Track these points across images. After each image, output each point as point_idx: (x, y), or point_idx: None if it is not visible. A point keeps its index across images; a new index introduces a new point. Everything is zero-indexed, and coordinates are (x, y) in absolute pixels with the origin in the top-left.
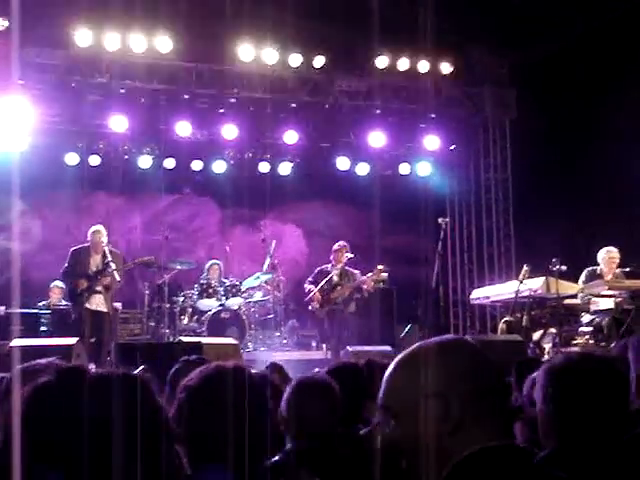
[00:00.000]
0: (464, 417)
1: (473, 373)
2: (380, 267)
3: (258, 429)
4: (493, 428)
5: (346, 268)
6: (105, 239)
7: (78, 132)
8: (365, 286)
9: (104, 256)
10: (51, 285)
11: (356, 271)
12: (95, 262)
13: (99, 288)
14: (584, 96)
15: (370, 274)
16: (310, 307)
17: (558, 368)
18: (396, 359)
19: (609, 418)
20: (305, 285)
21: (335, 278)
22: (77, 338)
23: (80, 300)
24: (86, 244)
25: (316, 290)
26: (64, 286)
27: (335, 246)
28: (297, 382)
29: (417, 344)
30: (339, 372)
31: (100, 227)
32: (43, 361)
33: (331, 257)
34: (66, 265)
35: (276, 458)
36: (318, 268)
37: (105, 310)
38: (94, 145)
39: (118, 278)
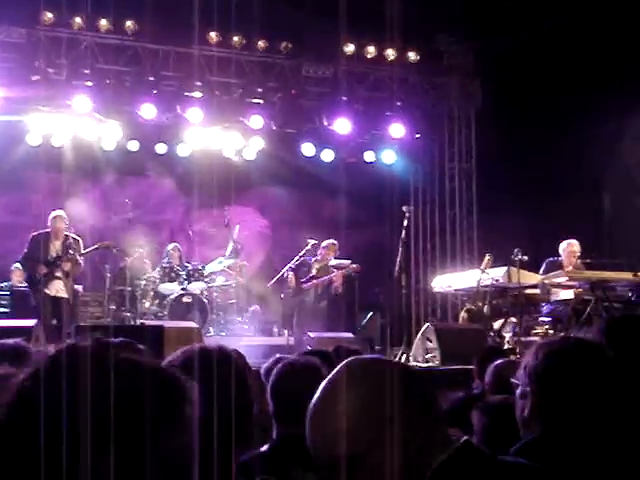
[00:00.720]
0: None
1: (412, 389)
2: (355, 265)
3: (246, 412)
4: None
5: (329, 265)
6: (65, 224)
7: (41, 112)
8: (335, 282)
9: (64, 242)
10: (12, 267)
11: (337, 261)
12: (55, 248)
13: (59, 274)
14: (549, 87)
15: (342, 267)
16: (282, 294)
17: (555, 351)
18: (326, 389)
19: (602, 405)
20: (285, 270)
21: (313, 271)
22: (36, 320)
23: (39, 286)
24: (47, 229)
25: (291, 275)
26: (25, 271)
27: (325, 242)
28: (285, 364)
29: (333, 376)
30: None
31: (61, 212)
32: (9, 341)
33: (318, 251)
34: (26, 250)
35: (265, 448)
36: (303, 258)
37: (65, 296)
38: (57, 126)
39: (80, 261)
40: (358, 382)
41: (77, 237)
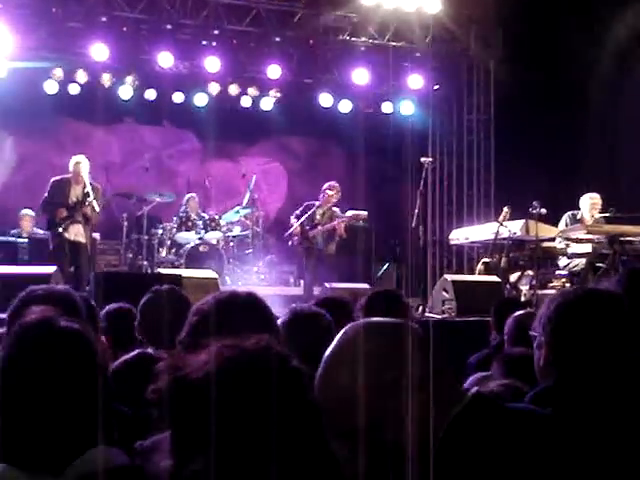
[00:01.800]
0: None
1: (415, 350)
2: (360, 213)
3: None
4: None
5: (333, 209)
6: (86, 170)
7: (58, 59)
8: (338, 230)
9: (84, 187)
10: (21, 213)
11: (340, 213)
12: (75, 193)
13: (79, 218)
14: (572, 38)
15: (349, 213)
16: (290, 242)
17: (569, 301)
18: (330, 356)
19: (615, 353)
20: (291, 218)
21: (317, 217)
22: (55, 267)
23: (59, 230)
24: (67, 175)
25: (297, 225)
26: (34, 214)
27: (325, 185)
28: (290, 313)
29: (345, 337)
30: (328, 304)
31: (82, 157)
32: (42, 286)
33: (320, 195)
34: (46, 195)
35: None
36: (306, 203)
37: (83, 241)
38: (74, 74)
39: (97, 209)
40: (371, 345)
41: (97, 185)
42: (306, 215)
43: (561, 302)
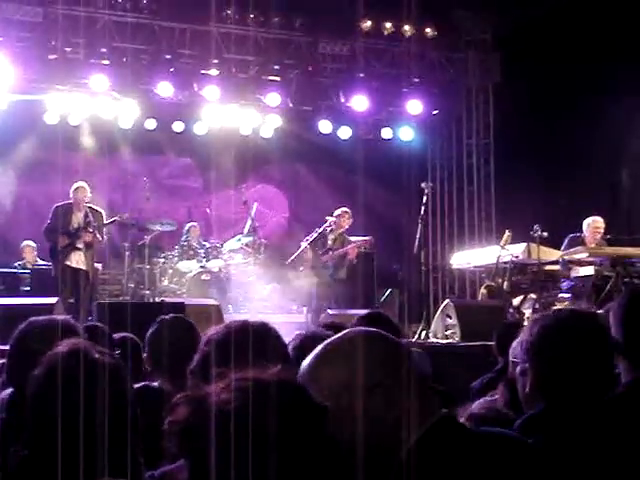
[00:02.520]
0: (404, 405)
1: (395, 362)
2: (367, 238)
3: None
4: (428, 408)
5: (344, 234)
6: (88, 196)
7: (58, 91)
8: (350, 255)
9: (86, 214)
10: (22, 245)
11: (352, 238)
12: (77, 219)
13: (80, 245)
14: (569, 61)
15: (356, 240)
16: (301, 268)
17: (549, 325)
18: (313, 357)
19: (597, 376)
20: (302, 243)
21: (329, 242)
22: (57, 298)
23: (60, 257)
24: (68, 201)
25: (308, 249)
26: (35, 245)
27: (337, 211)
28: (299, 337)
29: (331, 339)
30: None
31: (83, 184)
32: (42, 318)
33: (333, 219)
34: (48, 222)
35: None
36: (317, 229)
37: (84, 268)
38: (75, 105)
39: (100, 238)
40: (349, 349)
41: (99, 209)
42: (316, 239)
43: (542, 326)
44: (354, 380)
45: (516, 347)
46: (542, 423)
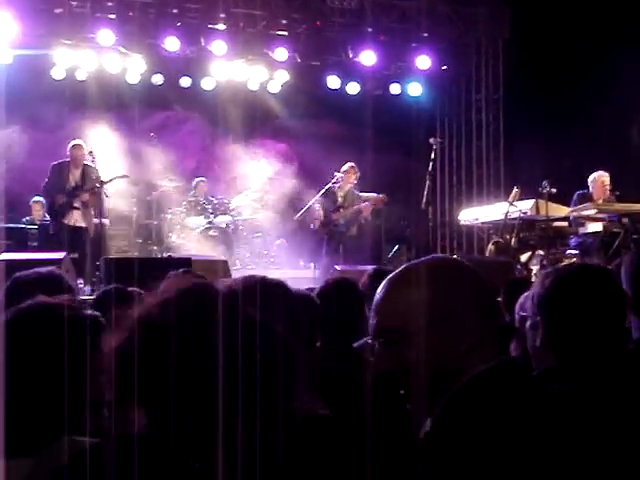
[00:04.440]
0: (477, 337)
1: (477, 292)
2: (382, 196)
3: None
4: (494, 347)
5: (353, 190)
6: (85, 154)
7: (65, 45)
8: (364, 212)
9: (83, 172)
10: (32, 201)
11: (362, 194)
12: (74, 177)
13: (77, 204)
14: (579, 17)
15: (372, 197)
16: (312, 225)
17: (562, 278)
18: (390, 279)
19: (610, 330)
20: (311, 201)
21: (339, 200)
22: (65, 253)
23: (58, 216)
24: (66, 159)
25: (318, 207)
26: (44, 201)
27: (344, 167)
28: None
29: (411, 263)
30: (337, 285)
31: (80, 141)
32: (43, 270)
33: (339, 176)
34: (47, 180)
35: None
36: (325, 186)
37: (83, 225)
38: (81, 59)
39: (102, 192)
40: (428, 274)
41: (94, 166)
42: (326, 198)
43: (554, 279)
44: (432, 306)
45: (525, 301)
46: (558, 376)
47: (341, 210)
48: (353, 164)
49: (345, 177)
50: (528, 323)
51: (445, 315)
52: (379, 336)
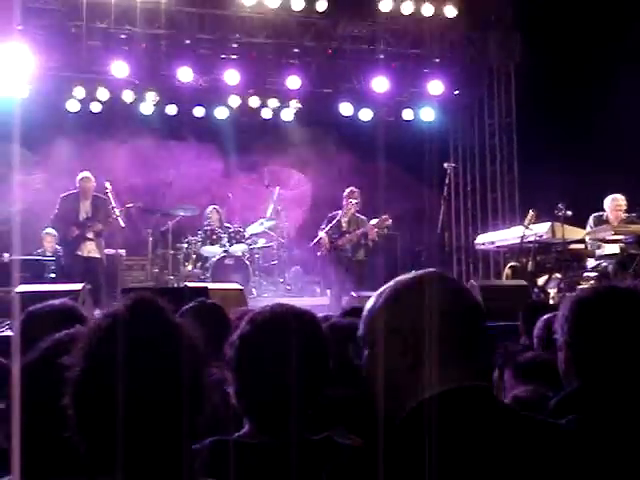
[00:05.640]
0: (423, 354)
1: (441, 311)
2: (384, 217)
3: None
4: (462, 369)
5: (356, 215)
6: (93, 185)
7: (79, 78)
8: (370, 235)
9: (93, 203)
10: (43, 233)
11: (365, 218)
12: (85, 208)
13: (90, 235)
14: (590, 39)
15: (374, 222)
16: (318, 253)
17: (587, 299)
18: (377, 292)
19: (637, 352)
20: (319, 233)
21: (344, 225)
22: (83, 284)
23: (71, 247)
24: (74, 190)
25: (322, 235)
26: (56, 233)
27: (346, 192)
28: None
29: (399, 277)
30: (356, 314)
31: (88, 174)
32: (56, 302)
33: (343, 202)
34: (56, 212)
35: None
36: (329, 214)
37: (98, 256)
38: (95, 92)
39: (116, 221)
40: (389, 292)
41: (105, 197)
42: (330, 225)
43: (579, 300)
44: (379, 322)
45: (545, 325)
46: (577, 402)
47: (346, 235)
48: (352, 188)
49: (346, 203)
50: (559, 342)
51: (391, 330)
52: (361, 344)
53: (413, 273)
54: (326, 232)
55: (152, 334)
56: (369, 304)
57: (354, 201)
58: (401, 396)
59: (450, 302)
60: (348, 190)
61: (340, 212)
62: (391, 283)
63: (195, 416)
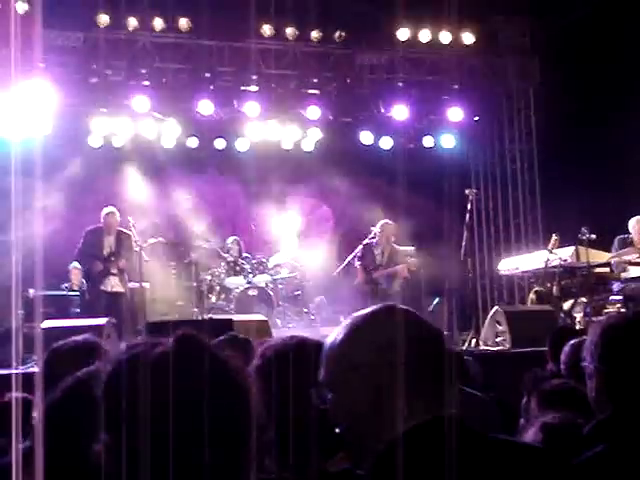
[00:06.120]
0: (385, 390)
1: (392, 344)
2: (410, 262)
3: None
4: (428, 400)
5: (393, 245)
6: (118, 221)
7: (101, 114)
8: (401, 274)
9: (118, 238)
10: (70, 267)
11: (402, 248)
12: (109, 243)
13: (114, 270)
14: (609, 62)
15: (404, 265)
16: (355, 282)
17: (616, 325)
18: (331, 333)
19: None
20: (355, 262)
21: (378, 257)
22: (107, 318)
23: (96, 282)
24: (99, 225)
25: (358, 266)
26: (82, 267)
27: (378, 224)
28: None
29: (355, 314)
30: None
31: (113, 209)
32: (79, 338)
33: (376, 233)
34: (80, 246)
35: None
36: (363, 243)
37: (122, 290)
38: (117, 126)
39: (140, 255)
40: (349, 327)
41: (128, 232)
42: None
43: (609, 327)
44: (338, 362)
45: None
46: (610, 429)
47: (380, 268)
48: (387, 220)
49: (380, 234)
50: (586, 373)
51: (351, 367)
52: (324, 387)
53: (368, 308)
54: (361, 265)
55: (199, 370)
56: (326, 345)
57: (388, 233)
58: (368, 436)
59: (407, 334)
60: (382, 223)
61: (373, 241)
62: (346, 320)
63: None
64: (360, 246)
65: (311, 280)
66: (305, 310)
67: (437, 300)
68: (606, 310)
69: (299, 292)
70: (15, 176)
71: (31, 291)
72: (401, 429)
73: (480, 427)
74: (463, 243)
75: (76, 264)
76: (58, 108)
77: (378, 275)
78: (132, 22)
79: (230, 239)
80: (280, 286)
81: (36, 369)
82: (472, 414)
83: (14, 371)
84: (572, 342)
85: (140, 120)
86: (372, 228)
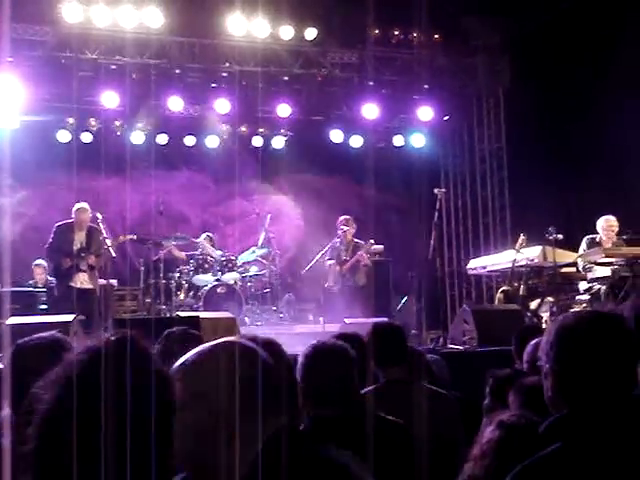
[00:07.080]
0: (222, 414)
1: (231, 374)
2: (371, 241)
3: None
4: (270, 420)
5: (354, 240)
6: (89, 217)
7: (69, 109)
8: (362, 261)
9: (88, 234)
10: (34, 264)
11: (362, 242)
12: (79, 239)
13: (83, 267)
14: (578, 64)
15: (362, 248)
16: (326, 285)
17: (570, 326)
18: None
19: (623, 378)
20: (321, 258)
21: (343, 254)
22: (74, 315)
23: (65, 278)
24: (70, 220)
25: (333, 264)
26: (46, 264)
27: (340, 219)
28: (313, 349)
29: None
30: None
31: (84, 204)
32: (46, 335)
33: (338, 231)
34: (50, 241)
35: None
36: (329, 244)
37: (91, 287)
38: (85, 122)
39: (109, 252)
40: (189, 364)
41: (99, 228)
42: (331, 254)
43: (562, 327)
44: (183, 391)
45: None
46: (564, 428)
47: (347, 264)
48: (346, 216)
49: (342, 230)
50: (544, 369)
51: (197, 394)
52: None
53: (212, 342)
54: (330, 265)
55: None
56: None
57: (345, 228)
58: (215, 464)
59: (246, 367)
60: (342, 219)
61: (337, 241)
62: (191, 352)
63: (166, 454)
64: (327, 246)
65: (280, 278)
66: (274, 308)
67: (405, 299)
68: (572, 310)
69: (268, 290)
70: None
71: None
72: (237, 449)
73: (441, 425)
74: (432, 242)
75: (40, 261)
76: (27, 103)
77: (345, 270)
78: (103, 17)
79: (202, 236)
80: (249, 284)
81: (1, 365)
82: (435, 412)
83: None
84: (534, 341)
85: (109, 116)
86: (342, 226)
